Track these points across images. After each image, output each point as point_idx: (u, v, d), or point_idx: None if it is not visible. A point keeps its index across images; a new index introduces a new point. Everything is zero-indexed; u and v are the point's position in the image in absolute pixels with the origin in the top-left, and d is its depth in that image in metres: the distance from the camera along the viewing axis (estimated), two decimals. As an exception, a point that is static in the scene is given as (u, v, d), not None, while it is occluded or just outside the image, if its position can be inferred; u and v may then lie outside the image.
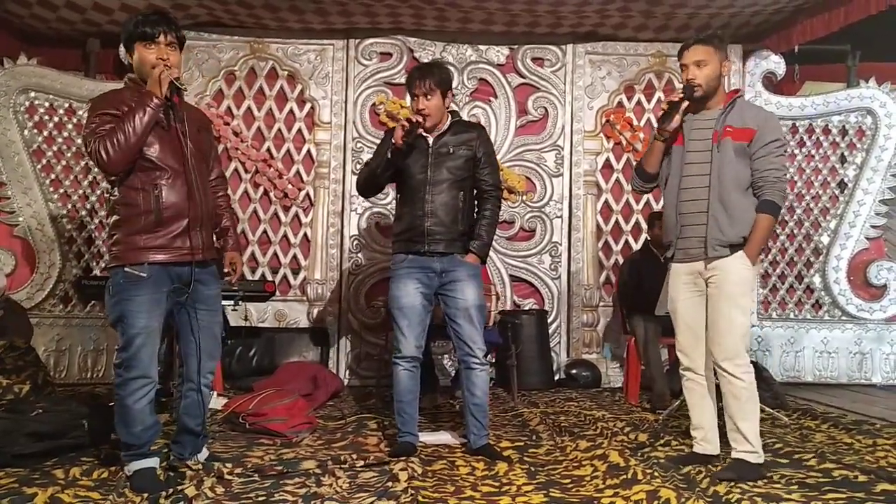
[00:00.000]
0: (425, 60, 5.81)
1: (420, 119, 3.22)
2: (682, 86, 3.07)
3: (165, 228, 2.75)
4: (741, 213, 2.97)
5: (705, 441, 3.16)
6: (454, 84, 5.86)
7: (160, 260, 2.73)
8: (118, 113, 2.70)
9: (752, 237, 2.95)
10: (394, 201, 5.70)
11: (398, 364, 3.28)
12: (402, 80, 5.83)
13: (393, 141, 3.22)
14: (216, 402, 4.14)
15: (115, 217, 2.78)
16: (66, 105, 5.54)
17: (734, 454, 2.96)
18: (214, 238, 3.02)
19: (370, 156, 5.70)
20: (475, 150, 3.34)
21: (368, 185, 3.47)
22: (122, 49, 3.33)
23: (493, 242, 5.76)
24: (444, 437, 3.63)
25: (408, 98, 5.66)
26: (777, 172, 2.96)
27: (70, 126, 5.54)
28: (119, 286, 2.72)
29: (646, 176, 3.24)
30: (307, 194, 5.80)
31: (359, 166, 5.81)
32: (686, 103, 3.05)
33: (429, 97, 3.24)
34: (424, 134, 3.30)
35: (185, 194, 2.78)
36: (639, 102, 5.96)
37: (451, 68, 5.86)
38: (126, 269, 2.71)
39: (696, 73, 3.02)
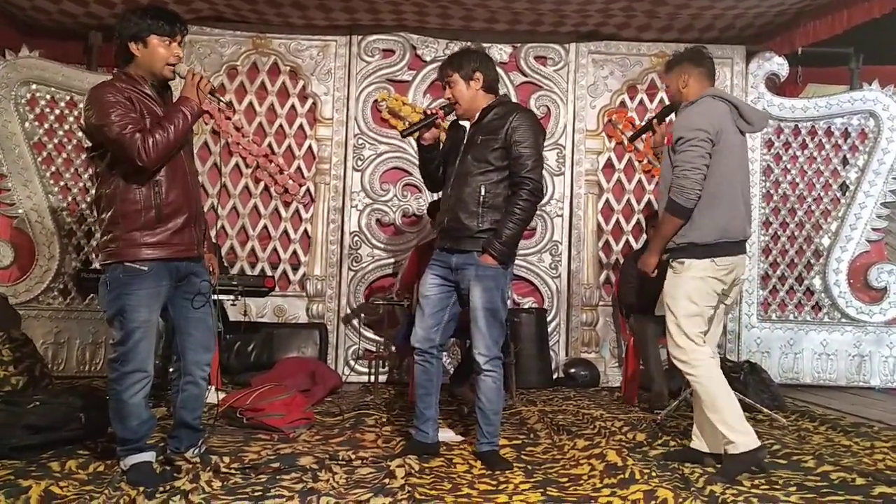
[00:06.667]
0: (428, 58, 5.81)
1: (436, 110, 3.17)
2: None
3: (165, 225, 2.73)
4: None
5: (696, 437, 3.21)
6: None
7: (159, 256, 2.72)
8: (131, 106, 2.69)
9: (652, 237, 3.08)
10: (394, 198, 5.80)
11: (415, 356, 3.24)
12: (405, 77, 5.87)
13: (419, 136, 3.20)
14: (214, 396, 4.13)
15: (109, 212, 2.72)
16: (68, 98, 5.52)
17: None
18: None
19: (372, 153, 5.82)
20: (507, 137, 3.04)
21: (424, 179, 3.45)
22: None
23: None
24: (443, 435, 3.62)
25: (410, 95, 5.78)
26: (678, 170, 2.98)
27: (71, 119, 5.52)
28: (118, 280, 2.69)
29: None
30: (308, 190, 5.79)
31: (360, 163, 5.81)
32: (655, 121, 3.41)
33: (450, 85, 3.16)
34: (462, 123, 3.24)
35: (182, 190, 2.77)
36: (641, 102, 5.95)
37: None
38: (126, 263, 2.69)
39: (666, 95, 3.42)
